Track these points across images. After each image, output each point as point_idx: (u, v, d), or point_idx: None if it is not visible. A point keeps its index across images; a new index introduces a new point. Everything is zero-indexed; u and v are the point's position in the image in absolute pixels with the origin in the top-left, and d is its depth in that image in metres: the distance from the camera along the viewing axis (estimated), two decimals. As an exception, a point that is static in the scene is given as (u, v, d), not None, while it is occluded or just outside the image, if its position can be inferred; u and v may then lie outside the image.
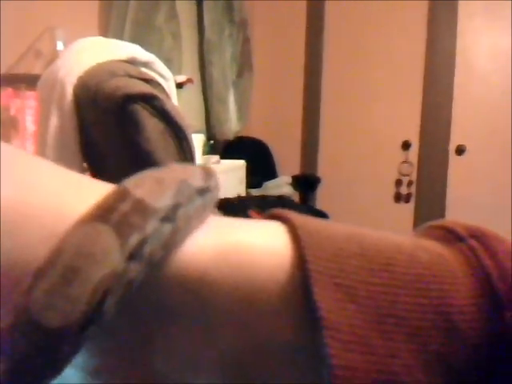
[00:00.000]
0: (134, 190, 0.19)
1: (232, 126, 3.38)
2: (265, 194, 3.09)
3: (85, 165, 1.07)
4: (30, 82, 1.69)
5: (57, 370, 0.18)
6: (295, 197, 3.39)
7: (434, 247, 0.22)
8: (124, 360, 0.20)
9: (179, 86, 1.27)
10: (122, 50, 1.07)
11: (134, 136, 0.96)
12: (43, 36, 2.11)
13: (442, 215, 3.28)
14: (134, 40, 2.22)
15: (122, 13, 2.40)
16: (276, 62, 3.65)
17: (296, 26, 3.57)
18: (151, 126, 0.97)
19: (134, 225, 0.19)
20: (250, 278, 0.20)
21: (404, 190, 3.39)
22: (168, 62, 2.07)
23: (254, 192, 3.13)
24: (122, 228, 0.18)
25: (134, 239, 0.18)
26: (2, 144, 0.23)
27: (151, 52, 1.16)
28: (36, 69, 2.04)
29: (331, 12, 3.49)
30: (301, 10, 3.55)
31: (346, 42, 3.45)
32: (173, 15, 2.68)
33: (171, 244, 0.20)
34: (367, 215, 3.38)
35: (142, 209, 0.19)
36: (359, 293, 0.20)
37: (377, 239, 0.22)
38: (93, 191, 0.21)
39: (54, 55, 1.95)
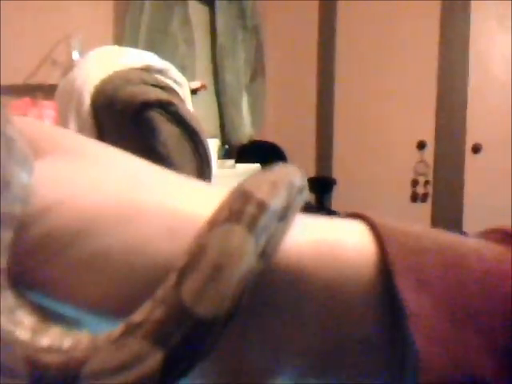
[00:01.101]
0: (256, 192, 0.21)
1: (246, 130, 3.39)
2: (280, 196, 3.08)
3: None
4: (46, 91, 1.72)
5: (203, 358, 0.20)
6: (311, 199, 3.39)
7: (495, 247, 0.23)
8: (222, 350, 0.21)
9: (193, 92, 1.28)
10: (138, 58, 1.09)
11: (151, 141, 0.97)
12: (59, 45, 2.14)
13: (459, 214, 3.26)
14: (148, 48, 2.24)
15: (137, 21, 2.43)
16: (289, 65, 3.66)
17: (308, 29, 3.57)
18: (167, 131, 0.99)
19: (262, 225, 0.20)
20: (341, 272, 0.22)
21: (421, 190, 3.37)
22: (182, 68, 2.09)
23: (270, 195, 3.13)
24: (253, 229, 0.20)
25: (263, 239, 0.20)
26: (114, 149, 0.25)
27: (166, 59, 1.18)
28: (52, 78, 2.07)
29: (343, 15, 3.49)
30: (313, 13, 3.56)
31: (358, 44, 3.44)
32: (186, 21, 2.70)
33: (281, 241, 0.22)
34: (384, 215, 3.36)
35: (265, 210, 0.21)
36: (434, 287, 0.21)
37: (447, 237, 0.24)
38: (201, 194, 0.24)
39: (70, 64, 1.97)
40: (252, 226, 0.20)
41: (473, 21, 3.18)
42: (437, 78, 3.28)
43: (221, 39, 3.15)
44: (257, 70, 3.48)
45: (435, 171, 3.34)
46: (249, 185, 0.22)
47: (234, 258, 0.19)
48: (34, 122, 0.24)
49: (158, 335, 0.19)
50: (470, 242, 0.23)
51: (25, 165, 0.22)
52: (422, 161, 3.35)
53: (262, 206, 0.21)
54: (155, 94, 1.00)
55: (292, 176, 0.24)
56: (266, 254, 0.20)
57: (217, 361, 0.22)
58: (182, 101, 1.09)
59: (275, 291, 0.22)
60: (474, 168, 3.25)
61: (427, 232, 0.24)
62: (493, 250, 0.23)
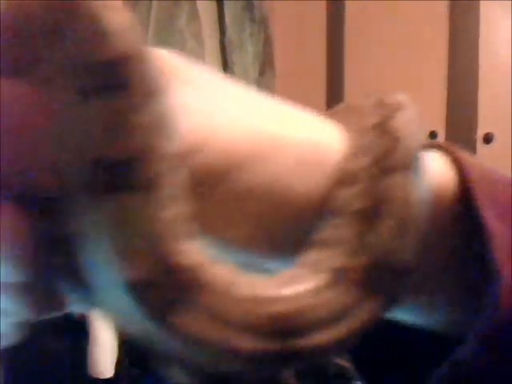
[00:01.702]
0: (402, 132, 0.22)
1: (256, 123, 3.38)
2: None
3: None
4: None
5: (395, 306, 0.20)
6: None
7: None
8: None
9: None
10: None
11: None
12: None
13: (471, 205, 3.23)
14: (157, 44, 2.22)
15: (144, 17, 2.42)
16: (298, 58, 3.64)
17: (317, 21, 3.55)
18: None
19: (417, 167, 0.21)
20: (430, 194, 0.23)
21: (432, 181, 3.35)
22: (191, 64, 2.08)
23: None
24: (417, 172, 0.21)
25: (419, 180, 0.21)
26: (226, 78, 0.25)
27: (175, 56, 1.17)
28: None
29: (352, 5, 3.46)
30: (321, 4, 3.53)
31: (367, 35, 3.41)
32: (194, 17, 2.69)
33: None
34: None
35: (416, 152, 0.21)
36: (507, 215, 0.22)
37: (506, 175, 0.25)
38: (317, 121, 0.25)
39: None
40: (414, 168, 0.21)
41: (482, 8, 3.15)
42: (447, 67, 3.25)
43: (229, 33, 3.14)
44: (265, 64, 3.46)
45: (447, 162, 3.31)
46: (393, 124, 0.22)
47: (413, 205, 0.20)
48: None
49: (368, 282, 0.19)
50: None
51: (164, 94, 0.20)
52: (433, 152, 3.32)
53: (414, 148, 0.21)
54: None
55: (417, 114, 0.25)
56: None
57: None
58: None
59: None
60: (485, 158, 3.21)
61: (492, 167, 0.25)
62: None
